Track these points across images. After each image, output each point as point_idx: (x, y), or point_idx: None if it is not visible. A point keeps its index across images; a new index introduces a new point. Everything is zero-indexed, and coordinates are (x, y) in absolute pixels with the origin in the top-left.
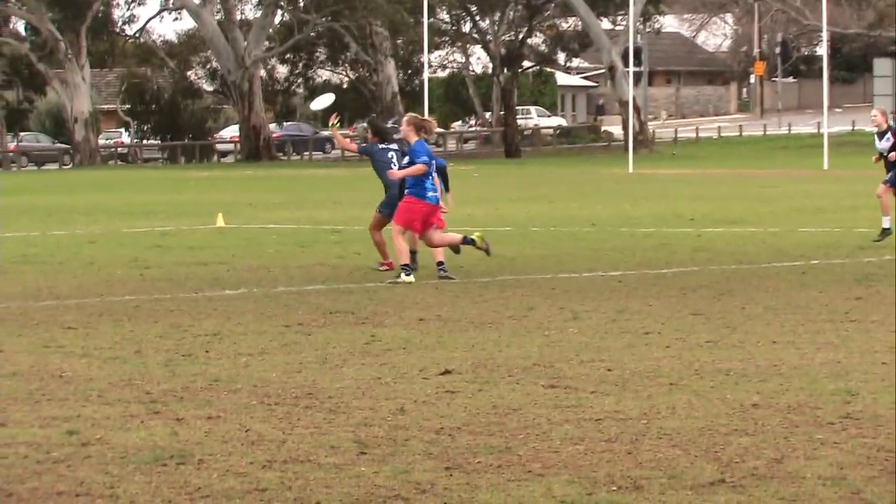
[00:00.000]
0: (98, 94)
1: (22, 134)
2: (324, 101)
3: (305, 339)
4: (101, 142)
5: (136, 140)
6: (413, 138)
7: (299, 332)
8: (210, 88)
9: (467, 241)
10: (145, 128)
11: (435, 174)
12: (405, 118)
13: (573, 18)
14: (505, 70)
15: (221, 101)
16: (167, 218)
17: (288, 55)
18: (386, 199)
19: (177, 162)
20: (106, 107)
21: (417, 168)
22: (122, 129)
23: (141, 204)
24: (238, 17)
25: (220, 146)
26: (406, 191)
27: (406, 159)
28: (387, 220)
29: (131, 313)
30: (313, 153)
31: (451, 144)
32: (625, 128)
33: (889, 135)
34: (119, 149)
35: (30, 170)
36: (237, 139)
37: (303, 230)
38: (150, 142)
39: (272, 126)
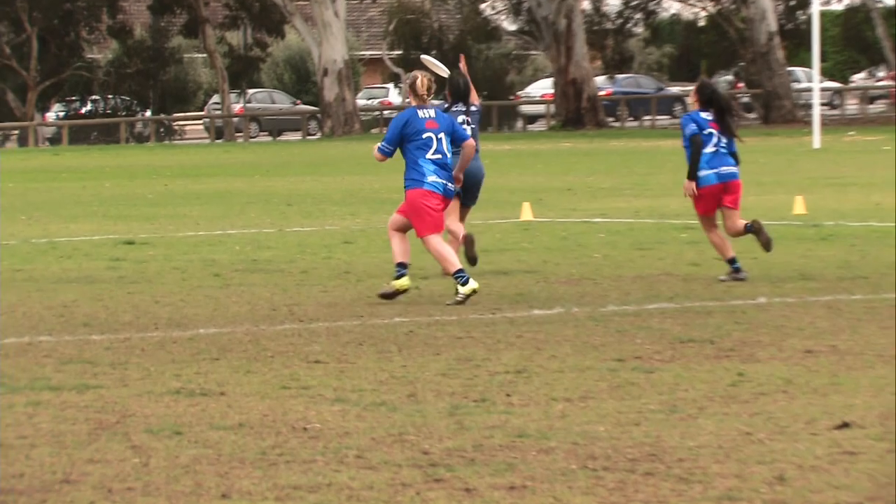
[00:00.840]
0: (356, 36)
1: (251, 92)
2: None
3: (646, 379)
4: (361, 102)
5: (408, 100)
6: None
7: (637, 368)
8: (512, 27)
9: (457, 276)
10: None
11: (448, 148)
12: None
13: None
14: None
15: (528, 44)
16: None
17: None
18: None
19: None
20: (367, 53)
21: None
22: (390, 85)
23: None
24: None
25: (526, 108)
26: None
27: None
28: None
29: (403, 342)
30: (657, 117)
31: (852, 105)
32: None
33: None
34: (385, 111)
35: (261, 141)
36: (550, 97)
37: (642, 226)
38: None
39: (599, 80)
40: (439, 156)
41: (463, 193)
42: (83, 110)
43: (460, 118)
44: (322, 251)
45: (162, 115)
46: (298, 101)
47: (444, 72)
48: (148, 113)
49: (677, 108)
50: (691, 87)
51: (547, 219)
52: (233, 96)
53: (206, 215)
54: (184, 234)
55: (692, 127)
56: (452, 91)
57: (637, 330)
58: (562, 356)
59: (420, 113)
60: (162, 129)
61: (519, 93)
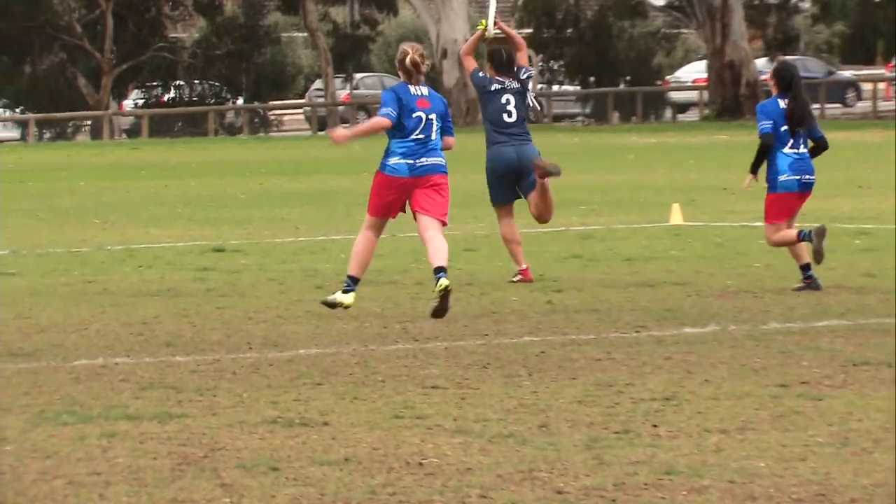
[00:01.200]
0: (479, 12)
1: (358, 76)
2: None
3: (813, 408)
4: None
5: (542, 85)
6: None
7: (803, 395)
8: (660, 2)
9: (437, 271)
10: (556, 66)
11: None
12: None
13: None
14: None
15: (678, 22)
16: (591, 211)
17: None
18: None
19: (607, 120)
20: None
21: (372, 123)
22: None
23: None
24: None
25: (675, 95)
26: None
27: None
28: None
29: (533, 364)
30: (826, 105)
31: None
32: None
33: None
34: None
35: None
36: (703, 83)
37: None
38: (563, 88)
39: (760, 63)
40: (422, 136)
41: (517, 184)
42: (165, 98)
43: (504, 97)
44: None
45: (256, 104)
46: None
47: (490, 24)
48: (240, 101)
49: (849, 94)
50: (866, 71)
51: (700, 222)
52: (337, 81)
53: (307, 218)
54: (281, 240)
55: (766, 125)
56: (492, 61)
57: (803, 351)
58: (716, 381)
59: (412, 90)
60: (256, 120)
61: (668, 77)
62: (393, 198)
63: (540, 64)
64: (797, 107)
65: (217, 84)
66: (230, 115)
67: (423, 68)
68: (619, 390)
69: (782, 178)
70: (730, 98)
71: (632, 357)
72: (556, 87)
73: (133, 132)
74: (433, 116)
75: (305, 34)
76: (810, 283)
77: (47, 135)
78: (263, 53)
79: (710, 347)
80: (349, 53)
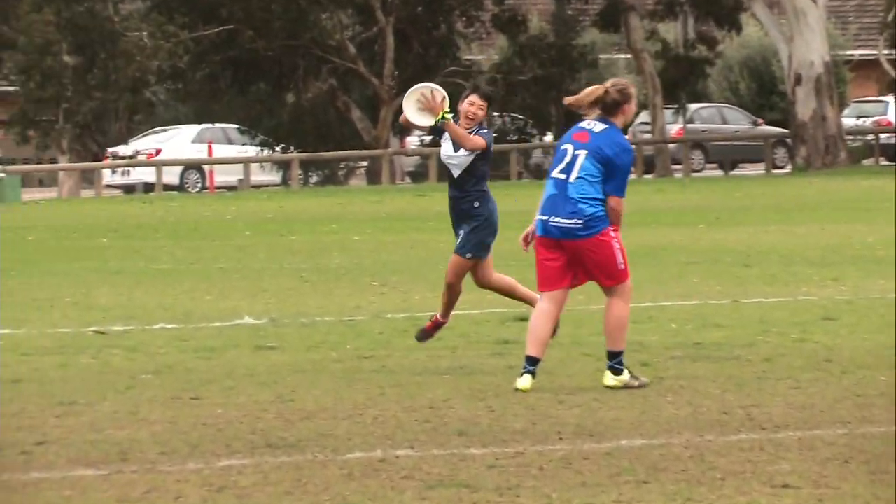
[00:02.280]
0: (842, 29)
1: (694, 107)
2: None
3: None
4: (849, 122)
5: None
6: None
7: None
8: None
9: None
10: None
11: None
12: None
13: None
14: None
15: None
16: None
17: None
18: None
19: None
20: (857, 54)
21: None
22: (890, 98)
23: None
24: None
25: None
26: None
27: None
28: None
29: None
30: None
31: None
32: None
33: None
34: (883, 135)
35: (708, 176)
36: None
37: None
38: None
39: None
40: (563, 176)
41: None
42: None
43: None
44: (793, 331)
45: None
46: (761, 121)
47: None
48: (548, 137)
49: None
50: None
51: None
52: (668, 113)
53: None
54: (598, 306)
55: None
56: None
57: None
58: None
59: (583, 122)
60: None
61: None
62: (544, 258)
63: None
64: None
65: (521, 116)
66: (537, 155)
67: (614, 103)
68: None
69: None
70: None
71: None
72: None
73: (418, 175)
74: (582, 153)
75: (628, 56)
76: None
77: (314, 178)
78: (577, 79)
79: None
80: (682, 79)
